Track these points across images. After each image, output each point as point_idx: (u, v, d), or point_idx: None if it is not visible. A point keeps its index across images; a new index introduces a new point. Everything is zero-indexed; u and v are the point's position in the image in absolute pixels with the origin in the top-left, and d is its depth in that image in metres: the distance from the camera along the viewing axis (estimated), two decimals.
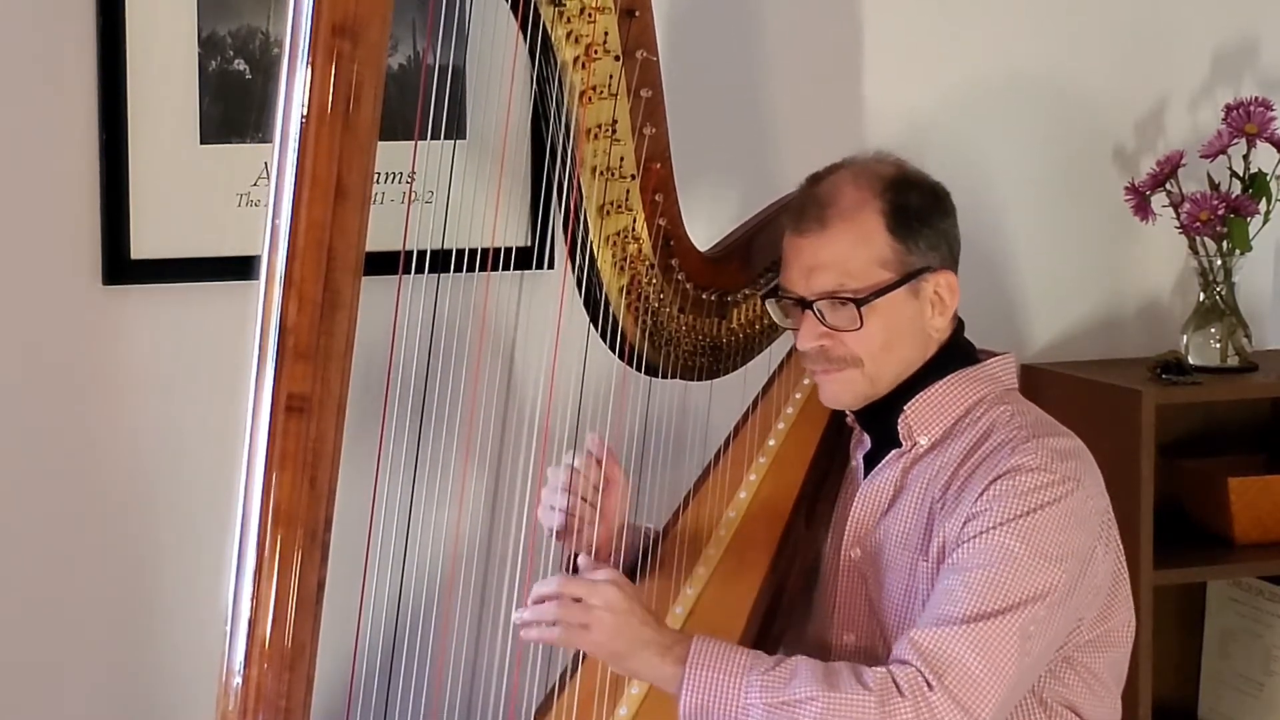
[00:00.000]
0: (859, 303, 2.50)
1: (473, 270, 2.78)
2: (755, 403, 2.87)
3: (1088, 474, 2.50)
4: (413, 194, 2.91)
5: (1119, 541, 2.57)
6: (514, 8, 2.49)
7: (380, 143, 2.76)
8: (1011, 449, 2.48)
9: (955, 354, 2.59)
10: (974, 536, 2.42)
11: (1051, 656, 2.48)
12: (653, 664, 2.36)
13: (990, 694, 2.33)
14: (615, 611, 2.34)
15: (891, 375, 2.56)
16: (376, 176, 2.91)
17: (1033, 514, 2.41)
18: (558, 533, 2.62)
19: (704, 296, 2.72)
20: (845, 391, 2.58)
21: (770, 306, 2.64)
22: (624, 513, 2.67)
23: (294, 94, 2.21)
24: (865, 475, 2.64)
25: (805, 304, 2.53)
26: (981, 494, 2.45)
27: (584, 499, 2.59)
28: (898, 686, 2.31)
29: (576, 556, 2.56)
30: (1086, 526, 2.46)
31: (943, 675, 2.31)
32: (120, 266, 2.94)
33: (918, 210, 2.55)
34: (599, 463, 2.60)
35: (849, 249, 2.51)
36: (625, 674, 2.47)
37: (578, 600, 2.34)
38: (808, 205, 2.55)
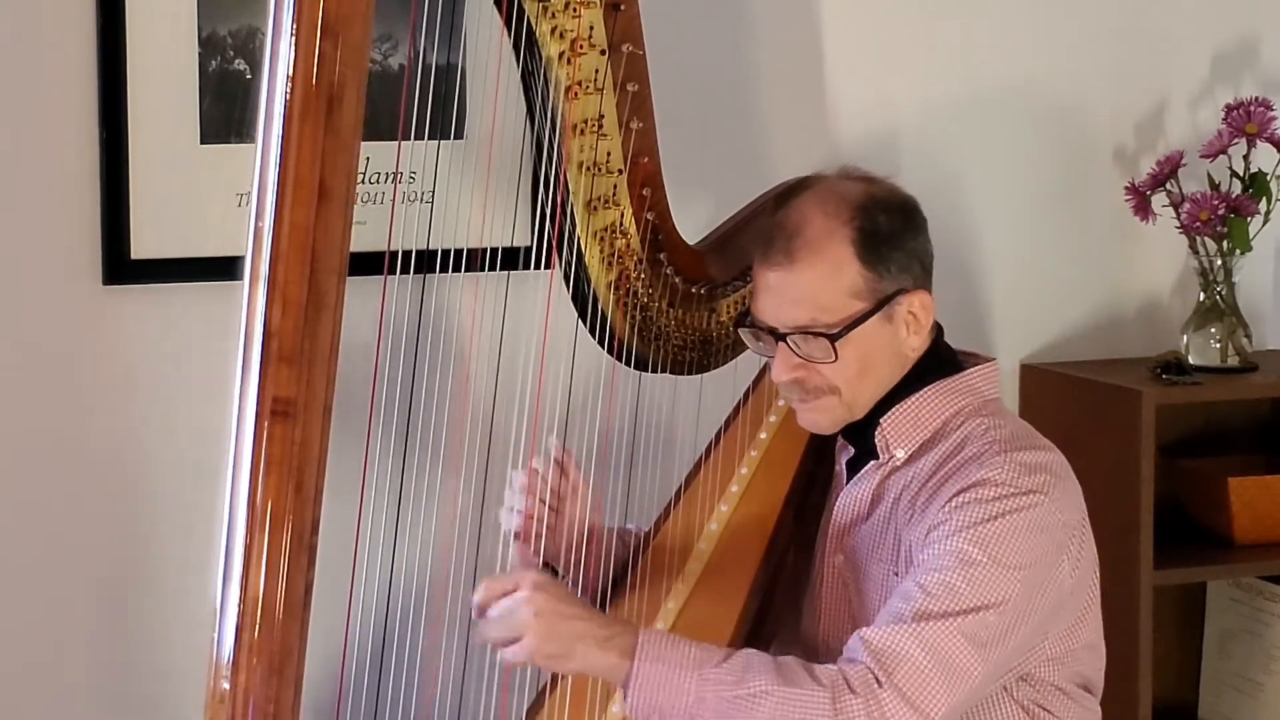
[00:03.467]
0: (833, 337, 2.48)
1: (477, 270, 2.80)
2: (746, 396, 2.87)
3: (1057, 488, 2.47)
4: (408, 195, 2.94)
5: (1094, 558, 2.55)
6: (498, 4, 2.49)
7: (382, 143, 2.81)
8: (980, 463, 2.47)
9: (933, 364, 2.58)
10: (934, 544, 2.41)
11: (1016, 665, 2.47)
12: (593, 656, 2.31)
13: (941, 693, 2.31)
14: (541, 614, 2.29)
15: (868, 398, 2.55)
16: (377, 177, 2.97)
17: (992, 522, 2.40)
18: (515, 534, 2.61)
19: (693, 290, 2.71)
20: (824, 418, 2.57)
21: (743, 334, 2.62)
22: (584, 520, 2.65)
23: (275, 95, 2.21)
24: (847, 482, 2.64)
25: (778, 336, 2.52)
26: (945, 505, 2.44)
27: (543, 501, 2.60)
28: (849, 683, 2.30)
29: (547, 565, 2.59)
30: (1050, 539, 2.44)
31: (892, 673, 2.30)
32: (120, 266, 2.95)
33: (887, 234, 2.51)
34: (561, 467, 2.60)
35: (820, 282, 2.48)
36: (571, 674, 2.46)
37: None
38: (775, 235, 2.51)
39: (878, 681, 2.30)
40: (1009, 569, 2.38)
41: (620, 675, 2.32)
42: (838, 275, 2.48)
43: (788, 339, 2.50)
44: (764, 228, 2.56)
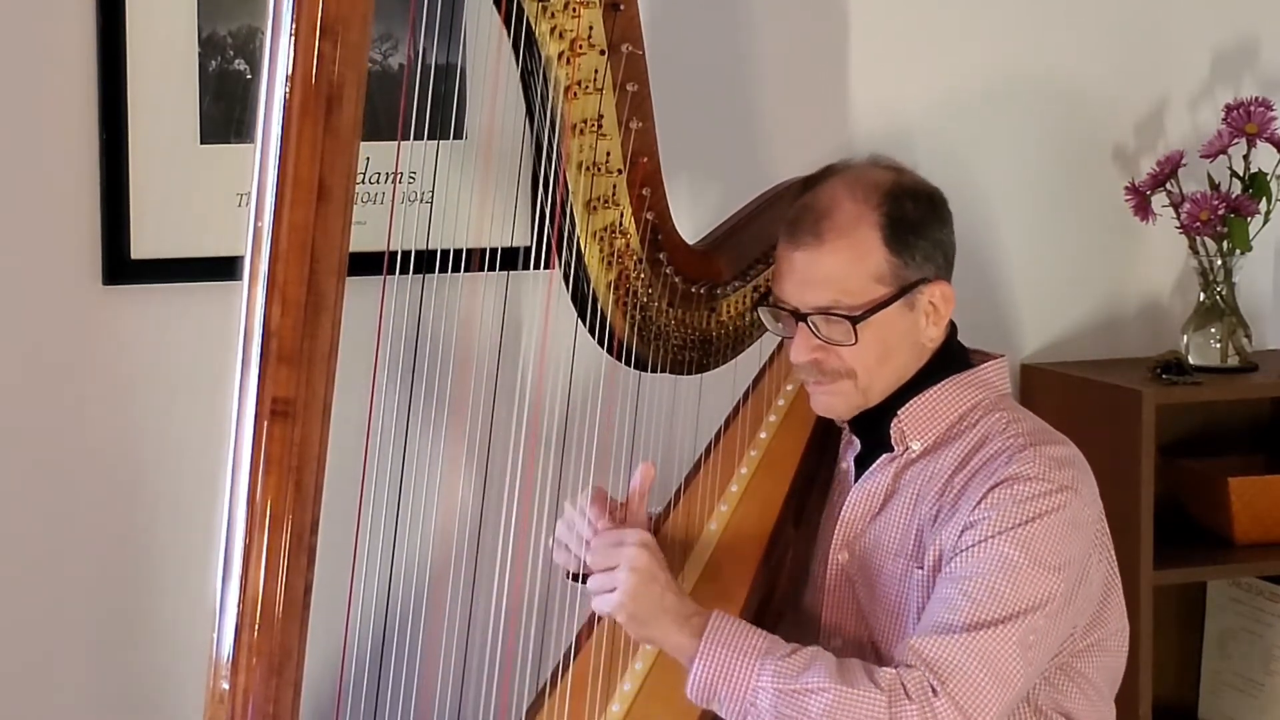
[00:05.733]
0: (855, 320, 2.48)
1: (477, 270, 2.80)
2: (745, 396, 2.86)
3: (1084, 482, 2.49)
4: (408, 195, 2.94)
5: (1111, 548, 2.57)
6: (497, 3, 2.49)
7: (381, 143, 2.82)
8: (1008, 457, 2.47)
9: (948, 359, 2.58)
10: (972, 545, 2.42)
11: (1048, 664, 2.48)
12: (669, 632, 2.37)
13: (993, 702, 2.33)
14: (638, 572, 2.37)
15: (884, 386, 2.55)
16: (377, 177, 2.97)
17: (1031, 523, 2.40)
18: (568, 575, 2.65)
19: (693, 290, 2.71)
20: (839, 403, 2.58)
21: (763, 313, 2.63)
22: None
23: (275, 94, 2.21)
24: (856, 478, 2.64)
25: (800, 316, 2.52)
26: (979, 502, 2.44)
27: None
28: (905, 689, 2.32)
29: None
30: (1083, 535, 2.46)
31: (946, 682, 2.32)
32: (120, 266, 2.95)
33: (914, 222, 2.52)
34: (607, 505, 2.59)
35: (846, 265, 2.49)
36: (641, 640, 2.48)
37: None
38: (803, 217, 2.52)
39: (933, 690, 2.32)
40: (1050, 569, 2.39)
41: (688, 654, 2.36)
42: (863, 259, 2.49)
43: (809, 320, 2.51)
44: (790, 210, 2.57)
